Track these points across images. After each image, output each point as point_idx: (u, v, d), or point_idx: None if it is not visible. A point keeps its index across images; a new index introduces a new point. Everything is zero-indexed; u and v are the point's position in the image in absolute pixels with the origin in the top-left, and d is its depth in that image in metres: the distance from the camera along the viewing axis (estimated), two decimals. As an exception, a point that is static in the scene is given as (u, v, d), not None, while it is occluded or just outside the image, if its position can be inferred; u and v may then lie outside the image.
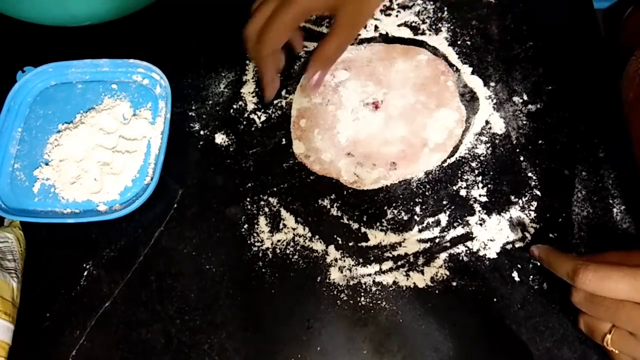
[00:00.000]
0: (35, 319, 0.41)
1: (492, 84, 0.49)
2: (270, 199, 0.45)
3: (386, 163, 0.45)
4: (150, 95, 0.49)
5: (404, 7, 0.53)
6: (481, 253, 0.41)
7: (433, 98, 0.48)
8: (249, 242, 0.43)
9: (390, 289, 0.40)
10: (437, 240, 0.42)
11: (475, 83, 0.49)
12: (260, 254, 0.42)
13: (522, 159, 0.45)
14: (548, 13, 0.52)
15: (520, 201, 0.43)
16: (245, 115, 0.49)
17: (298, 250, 0.42)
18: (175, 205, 0.45)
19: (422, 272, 0.41)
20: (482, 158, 0.45)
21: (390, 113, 0.47)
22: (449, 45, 0.51)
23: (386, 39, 0.52)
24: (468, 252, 0.41)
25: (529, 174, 0.44)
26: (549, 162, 0.45)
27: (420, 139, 0.46)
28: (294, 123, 0.48)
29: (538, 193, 0.43)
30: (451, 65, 0.50)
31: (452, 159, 0.45)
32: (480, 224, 0.42)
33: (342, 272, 0.41)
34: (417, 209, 0.43)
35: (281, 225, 0.43)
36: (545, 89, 0.48)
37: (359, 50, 0.51)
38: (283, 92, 0.50)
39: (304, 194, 0.45)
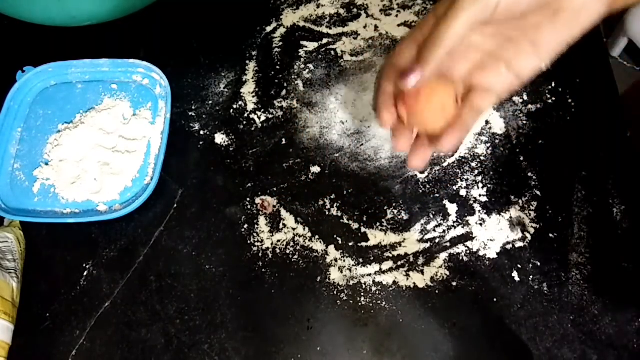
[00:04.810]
0: (35, 319, 0.41)
1: (492, 84, 0.48)
2: (269, 199, 0.45)
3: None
4: (150, 95, 0.49)
5: (404, 7, 0.53)
6: (481, 253, 0.41)
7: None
8: (249, 242, 0.43)
9: (390, 289, 0.40)
10: (437, 240, 0.42)
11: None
12: (260, 254, 0.42)
13: (522, 159, 0.45)
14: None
15: (520, 201, 0.43)
16: (245, 115, 0.49)
17: (298, 250, 0.42)
18: (175, 205, 0.45)
19: (422, 272, 0.41)
20: (482, 158, 0.45)
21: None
22: (449, 45, 0.51)
23: (386, 38, 0.52)
24: (468, 252, 0.41)
25: (529, 174, 0.44)
26: (549, 162, 0.45)
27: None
28: None
29: (538, 193, 0.43)
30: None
31: (452, 159, 0.45)
32: (480, 224, 0.42)
33: (342, 272, 0.41)
34: (417, 209, 0.43)
35: (281, 225, 0.43)
36: (546, 89, 0.48)
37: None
38: (283, 93, 0.50)
39: (304, 194, 0.45)
